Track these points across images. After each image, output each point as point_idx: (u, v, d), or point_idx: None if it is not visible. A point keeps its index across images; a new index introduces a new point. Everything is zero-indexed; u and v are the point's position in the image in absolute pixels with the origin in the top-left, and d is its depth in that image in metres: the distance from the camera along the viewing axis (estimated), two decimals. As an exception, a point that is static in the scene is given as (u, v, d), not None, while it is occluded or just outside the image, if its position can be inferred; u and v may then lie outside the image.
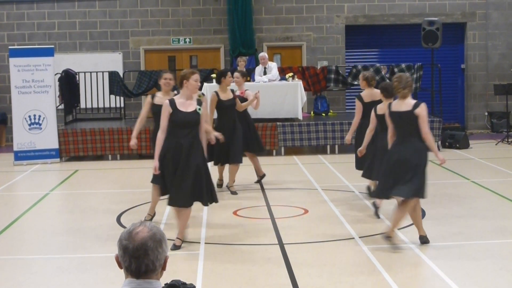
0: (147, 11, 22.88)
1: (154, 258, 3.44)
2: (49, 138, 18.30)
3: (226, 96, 13.05)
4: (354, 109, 13.00)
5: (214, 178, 11.80)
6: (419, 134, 9.31)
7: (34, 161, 18.16)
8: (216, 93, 13.05)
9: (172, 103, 9.50)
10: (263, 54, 19.19)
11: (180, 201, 9.63)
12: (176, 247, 9.63)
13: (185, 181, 9.43)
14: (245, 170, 14.44)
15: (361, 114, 12.07)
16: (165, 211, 11.62)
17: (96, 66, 21.86)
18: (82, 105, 21.07)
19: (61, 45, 22.64)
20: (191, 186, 9.45)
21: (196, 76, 9.58)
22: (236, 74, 13.59)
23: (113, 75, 20.71)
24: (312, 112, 21.23)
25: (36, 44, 21.96)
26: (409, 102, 9.40)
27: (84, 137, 18.55)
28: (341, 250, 9.62)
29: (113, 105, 21.29)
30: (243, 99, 13.47)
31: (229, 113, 13.08)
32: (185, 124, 9.45)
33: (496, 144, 20.03)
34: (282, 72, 19.85)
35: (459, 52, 23.76)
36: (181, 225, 9.81)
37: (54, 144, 18.39)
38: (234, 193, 13.36)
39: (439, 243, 9.74)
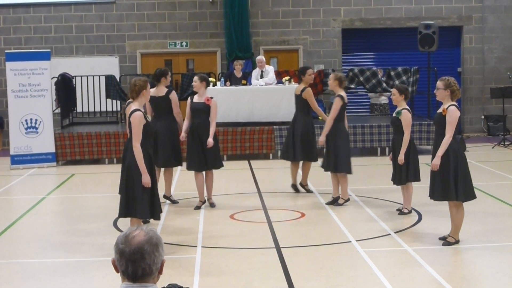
0: (143, 15, 22.89)
1: (151, 262, 3.44)
2: (45, 142, 18.29)
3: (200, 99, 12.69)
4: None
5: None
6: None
7: (30, 165, 18.15)
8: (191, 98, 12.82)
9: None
10: (260, 58, 19.20)
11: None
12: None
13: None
14: (242, 175, 14.46)
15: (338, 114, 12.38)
16: (163, 215, 11.60)
17: (92, 70, 21.87)
18: (79, 109, 21.05)
19: (57, 49, 22.64)
20: None
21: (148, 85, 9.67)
22: (194, 78, 12.59)
23: (109, 79, 20.70)
24: (308, 116, 21.20)
25: (33, 48, 21.96)
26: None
27: (80, 141, 18.54)
28: (338, 254, 9.62)
29: (109, 109, 21.28)
30: (206, 107, 12.31)
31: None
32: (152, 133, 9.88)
33: (492, 147, 20.05)
34: (279, 75, 19.87)
35: (456, 55, 23.79)
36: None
37: (51, 148, 18.37)
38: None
39: (436, 246, 9.74)
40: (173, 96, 12.46)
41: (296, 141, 13.51)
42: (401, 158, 11.35)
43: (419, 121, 18.77)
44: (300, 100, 13.56)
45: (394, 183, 11.81)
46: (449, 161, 9.45)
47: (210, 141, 12.13)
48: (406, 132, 11.39)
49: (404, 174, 11.48)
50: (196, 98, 12.47)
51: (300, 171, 14.05)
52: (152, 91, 11.91)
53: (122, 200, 9.57)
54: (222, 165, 12.78)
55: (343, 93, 12.49)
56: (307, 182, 13.94)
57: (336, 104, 12.39)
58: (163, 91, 12.32)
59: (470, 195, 9.71)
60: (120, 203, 9.60)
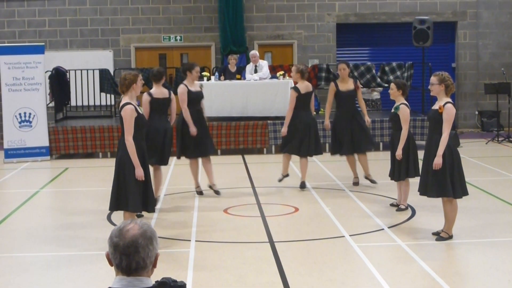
0: (137, 9, 22.86)
1: (145, 256, 3.44)
2: (39, 136, 18.26)
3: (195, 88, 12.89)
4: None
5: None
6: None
7: (24, 159, 18.13)
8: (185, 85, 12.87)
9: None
10: (254, 52, 19.19)
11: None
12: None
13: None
14: (236, 170, 14.46)
15: (295, 105, 13.23)
16: (157, 208, 11.60)
17: (86, 63, 21.84)
18: (73, 103, 21.01)
19: (51, 42, 22.60)
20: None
21: (140, 78, 9.67)
22: (197, 68, 12.97)
23: (103, 72, 20.67)
24: (303, 111, 21.22)
25: (27, 41, 21.91)
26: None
27: (74, 135, 18.52)
28: (332, 248, 9.63)
29: (103, 103, 21.26)
30: (202, 94, 12.98)
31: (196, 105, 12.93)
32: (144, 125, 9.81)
33: (486, 143, 20.09)
34: (273, 70, 19.87)
35: (450, 51, 23.82)
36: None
37: (45, 142, 18.35)
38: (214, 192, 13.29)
39: (429, 242, 9.76)
40: (174, 95, 12.63)
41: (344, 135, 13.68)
42: (398, 153, 11.34)
43: (413, 116, 18.72)
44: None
45: (392, 179, 11.80)
46: (445, 158, 9.46)
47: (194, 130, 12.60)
48: (404, 127, 11.39)
49: (404, 170, 11.47)
50: (192, 88, 12.66)
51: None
52: (157, 93, 11.98)
53: (113, 193, 9.57)
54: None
55: (299, 85, 13.29)
56: (369, 172, 14.01)
57: (291, 96, 13.31)
58: (165, 92, 12.30)
59: (465, 191, 9.74)
60: (111, 196, 9.60)
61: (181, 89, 12.61)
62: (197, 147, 12.71)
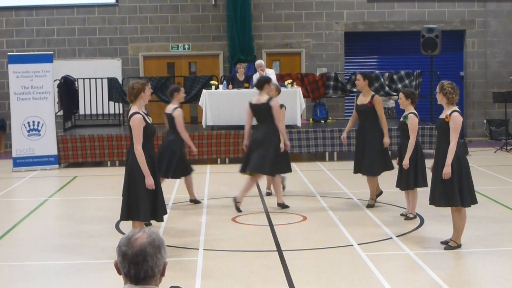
0: (146, 18, 22.90)
1: (153, 264, 3.44)
2: (48, 145, 18.30)
3: None
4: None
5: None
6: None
7: (32, 168, 18.16)
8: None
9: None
10: (260, 62, 19.17)
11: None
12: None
13: None
14: (243, 178, 14.36)
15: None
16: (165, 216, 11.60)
17: (95, 72, 21.88)
18: (81, 112, 21.06)
19: (60, 51, 22.66)
20: None
21: (149, 86, 9.67)
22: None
23: (112, 81, 20.73)
24: (311, 119, 21.25)
25: (35, 50, 21.98)
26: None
27: (83, 143, 18.56)
28: (340, 257, 9.62)
29: (112, 111, 21.29)
30: None
31: None
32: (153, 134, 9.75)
33: (495, 152, 20.04)
34: (281, 79, 19.86)
35: (458, 59, 23.79)
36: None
37: (53, 151, 18.39)
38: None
39: (437, 251, 9.74)
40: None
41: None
42: (405, 162, 11.30)
43: (421, 125, 18.68)
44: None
45: (400, 188, 11.76)
46: (453, 167, 9.45)
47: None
48: (412, 136, 11.36)
49: (412, 179, 11.43)
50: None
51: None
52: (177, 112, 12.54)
53: (124, 203, 9.57)
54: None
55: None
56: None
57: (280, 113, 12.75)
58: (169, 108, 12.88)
59: (473, 200, 9.72)
60: (122, 206, 9.60)
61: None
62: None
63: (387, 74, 20.62)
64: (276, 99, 12.54)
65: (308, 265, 9.28)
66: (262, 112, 12.51)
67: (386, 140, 12.39)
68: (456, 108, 9.57)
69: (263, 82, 12.56)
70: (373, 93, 12.60)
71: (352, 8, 23.07)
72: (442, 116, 9.63)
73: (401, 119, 11.60)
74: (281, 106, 12.91)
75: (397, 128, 13.00)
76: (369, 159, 12.42)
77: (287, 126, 18.58)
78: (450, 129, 9.43)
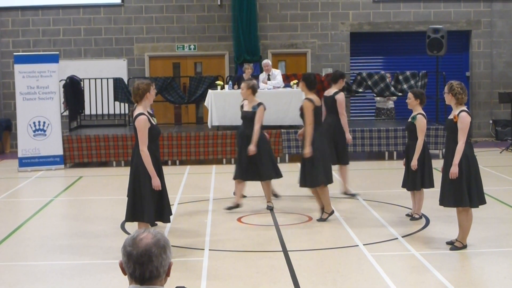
0: (152, 18, 22.91)
1: (158, 265, 3.44)
2: (53, 145, 18.32)
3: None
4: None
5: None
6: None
7: (38, 168, 18.18)
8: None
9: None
10: (266, 62, 19.19)
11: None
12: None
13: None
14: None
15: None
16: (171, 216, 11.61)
17: (100, 72, 21.89)
18: (87, 112, 21.08)
19: (66, 51, 22.68)
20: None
21: (153, 86, 9.62)
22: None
23: (117, 81, 20.74)
24: (316, 120, 21.19)
25: (41, 50, 22.00)
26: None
27: (88, 143, 18.57)
28: (345, 258, 9.61)
29: (117, 111, 21.30)
30: None
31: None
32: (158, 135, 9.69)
33: (500, 152, 20.01)
34: (287, 79, 19.86)
35: (464, 60, 23.76)
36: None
37: (59, 151, 18.40)
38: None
39: (443, 251, 9.73)
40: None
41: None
42: (414, 163, 11.28)
43: (427, 126, 18.60)
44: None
45: (406, 189, 11.74)
46: (461, 167, 9.43)
47: None
48: (420, 137, 11.34)
49: (419, 180, 11.41)
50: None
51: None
52: None
53: (129, 204, 9.57)
54: None
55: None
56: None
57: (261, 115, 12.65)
58: None
59: (482, 200, 9.71)
60: (127, 207, 9.60)
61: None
62: None
63: (389, 75, 20.59)
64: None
65: (313, 266, 9.28)
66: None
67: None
68: (464, 108, 9.56)
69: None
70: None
71: (358, 9, 23.05)
72: (451, 116, 9.62)
73: (409, 119, 11.58)
74: (259, 104, 12.75)
75: (403, 129, 13.05)
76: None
77: (294, 127, 18.67)
78: (458, 129, 9.42)
